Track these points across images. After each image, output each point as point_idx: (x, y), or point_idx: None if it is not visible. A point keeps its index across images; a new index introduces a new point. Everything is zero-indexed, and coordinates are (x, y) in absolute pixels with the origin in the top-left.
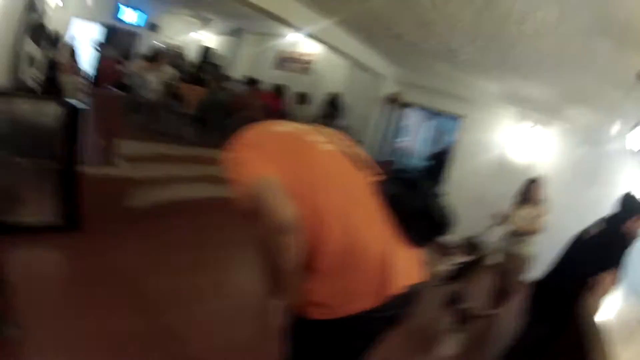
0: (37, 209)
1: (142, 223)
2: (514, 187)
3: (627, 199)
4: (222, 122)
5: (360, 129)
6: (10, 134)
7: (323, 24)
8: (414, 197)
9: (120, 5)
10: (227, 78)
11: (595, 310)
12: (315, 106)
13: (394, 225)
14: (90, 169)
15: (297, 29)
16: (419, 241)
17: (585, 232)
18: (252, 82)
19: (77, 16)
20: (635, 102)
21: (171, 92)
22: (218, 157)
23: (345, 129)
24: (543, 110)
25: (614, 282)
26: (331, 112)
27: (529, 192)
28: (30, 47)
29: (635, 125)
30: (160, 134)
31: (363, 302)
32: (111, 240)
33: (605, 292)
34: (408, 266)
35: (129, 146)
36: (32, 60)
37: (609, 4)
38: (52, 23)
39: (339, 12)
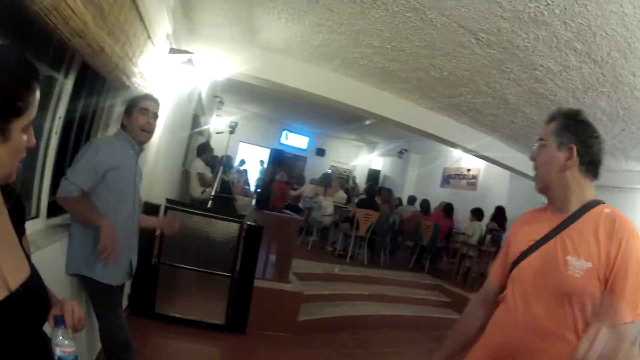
0: (211, 310)
1: (307, 334)
2: None
3: None
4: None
5: None
6: (192, 245)
7: (483, 140)
8: None
9: (288, 132)
10: (398, 201)
11: None
12: (485, 221)
13: None
14: (265, 283)
15: (459, 146)
16: None
17: None
18: (421, 203)
19: (246, 141)
20: None
21: (344, 216)
22: (386, 278)
23: None
24: None
25: None
26: (498, 225)
27: None
28: (200, 167)
29: None
30: (332, 255)
31: None
32: (274, 347)
33: None
34: None
35: (302, 265)
36: (202, 179)
37: None
38: (220, 145)
39: (496, 128)
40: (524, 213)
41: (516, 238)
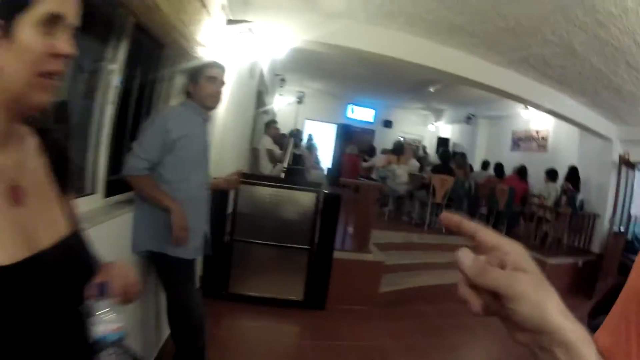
0: (289, 287)
1: (389, 307)
2: None
3: None
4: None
5: (599, 200)
6: (266, 220)
7: (552, 95)
8: None
9: (353, 106)
10: (471, 166)
11: None
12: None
13: None
14: (344, 254)
15: (527, 102)
16: None
17: None
18: (495, 167)
19: (311, 118)
20: None
21: (418, 183)
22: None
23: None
24: None
25: None
26: (572, 186)
27: None
28: (269, 144)
29: None
30: (409, 224)
31: None
32: (356, 321)
33: None
34: None
35: (380, 235)
36: (272, 156)
37: None
38: (286, 123)
39: (564, 82)
40: None
41: None
